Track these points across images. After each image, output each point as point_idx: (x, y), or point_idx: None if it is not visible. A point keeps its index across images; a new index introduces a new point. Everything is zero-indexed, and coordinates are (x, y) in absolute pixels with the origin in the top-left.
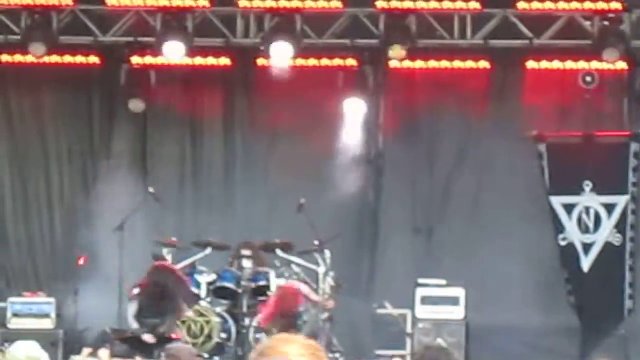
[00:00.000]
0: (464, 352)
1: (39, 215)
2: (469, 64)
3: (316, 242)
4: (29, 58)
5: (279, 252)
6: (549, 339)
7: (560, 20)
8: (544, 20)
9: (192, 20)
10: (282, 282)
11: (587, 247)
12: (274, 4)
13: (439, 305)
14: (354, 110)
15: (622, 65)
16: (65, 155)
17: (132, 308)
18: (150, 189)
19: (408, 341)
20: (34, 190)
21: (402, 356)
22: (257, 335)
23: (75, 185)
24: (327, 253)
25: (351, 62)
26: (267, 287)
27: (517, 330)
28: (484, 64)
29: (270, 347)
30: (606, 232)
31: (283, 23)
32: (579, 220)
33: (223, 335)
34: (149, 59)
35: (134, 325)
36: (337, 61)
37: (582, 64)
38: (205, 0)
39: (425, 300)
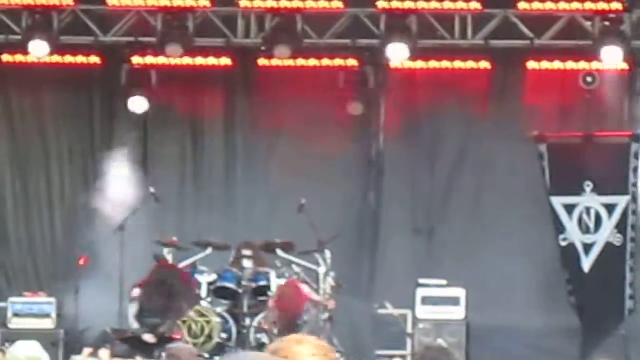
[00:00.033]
0: (465, 352)
1: (39, 215)
2: (470, 64)
3: (317, 243)
4: (30, 58)
5: (279, 252)
6: (550, 339)
7: (561, 20)
8: (544, 21)
9: (193, 20)
10: (282, 282)
11: (587, 248)
12: (275, 4)
13: (439, 305)
14: (354, 111)
15: (622, 65)
16: (66, 155)
17: (133, 308)
18: (151, 189)
19: (409, 341)
20: (35, 190)
21: (403, 356)
22: (258, 336)
23: (76, 185)
24: (328, 253)
25: (352, 62)
26: (268, 288)
27: (518, 331)
28: (484, 64)
29: (282, 348)
30: (607, 233)
31: (284, 23)
32: (580, 220)
33: (224, 335)
34: (150, 59)
35: (135, 325)
36: (338, 61)
37: (583, 65)
38: (206, 0)
39: (426, 300)
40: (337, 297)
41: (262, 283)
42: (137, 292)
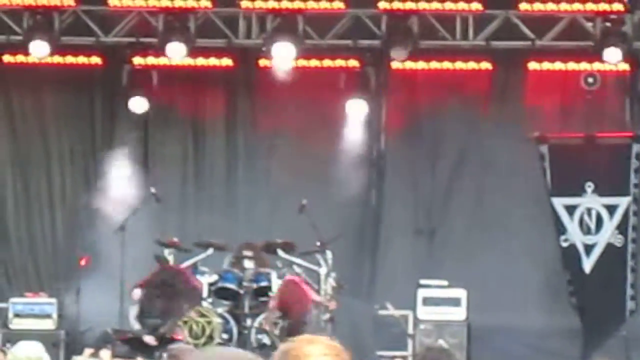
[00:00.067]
0: (466, 353)
1: (40, 215)
2: (471, 65)
3: (318, 243)
4: (31, 58)
5: (280, 253)
6: (551, 340)
7: (563, 21)
8: (546, 22)
9: (194, 21)
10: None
11: (588, 249)
12: (276, 5)
13: (440, 306)
14: (356, 111)
15: (624, 66)
16: (67, 156)
17: (133, 309)
18: (152, 190)
19: (410, 342)
20: (36, 190)
21: (404, 357)
22: (259, 336)
23: (77, 186)
24: (329, 254)
25: (353, 63)
26: (269, 288)
27: (518, 332)
28: (486, 65)
29: (293, 348)
30: (608, 234)
31: (285, 24)
32: (581, 221)
33: (225, 336)
34: (151, 60)
35: (136, 326)
36: (339, 62)
37: (584, 65)
38: (207, 1)
39: (427, 301)
40: (338, 297)
41: (263, 284)
42: (138, 292)
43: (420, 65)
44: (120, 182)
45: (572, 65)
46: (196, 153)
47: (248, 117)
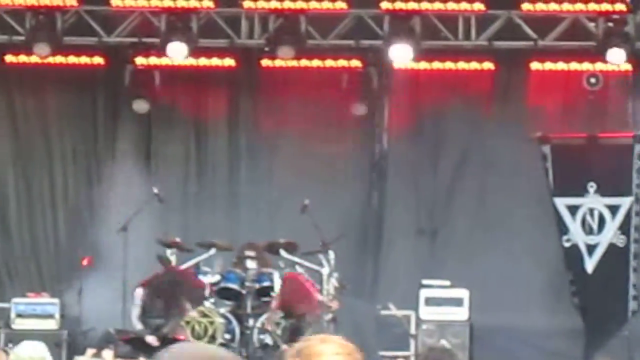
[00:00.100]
0: (468, 353)
1: (43, 215)
2: (474, 65)
3: (320, 243)
4: (34, 59)
5: (283, 253)
6: (553, 340)
7: (565, 21)
8: (548, 22)
9: (196, 21)
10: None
11: (591, 249)
12: (278, 5)
13: (443, 306)
14: (358, 112)
15: (626, 66)
16: (69, 156)
17: (136, 309)
18: (155, 190)
19: (412, 342)
20: (38, 190)
21: (406, 357)
22: (261, 337)
23: (80, 186)
24: (331, 254)
25: (356, 63)
26: (271, 288)
27: (521, 332)
28: (488, 65)
29: (306, 346)
30: (610, 234)
31: (287, 24)
32: (583, 221)
33: (227, 336)
34: (153, 60)
35: (138, 326)
36: (341, 62)
37: (586, 66)
38: (209, 1)
39: (429, 301)
40: (340, 297)
41: (266, 284)
42: (140, 292)
43: (423, 65)
44: (123, 182)
45: (574, 66)
46: (198, 153)
47: (250, 117)
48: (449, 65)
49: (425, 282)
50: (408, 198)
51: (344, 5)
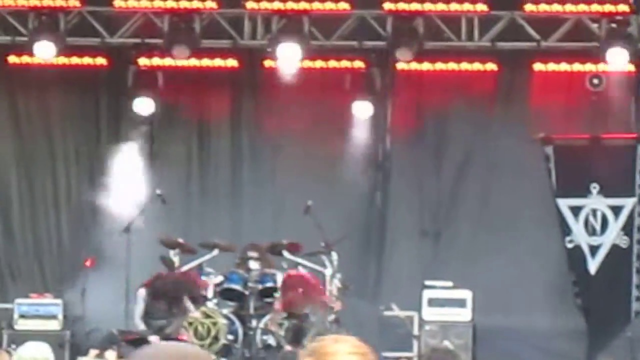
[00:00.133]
0: (471, 354)
1: (45, 216)
2: (477, 66)
3: (323, 244)
4: (37, 59)
5: (286, 253)
6: (556, 341)
7: (568, 22)
8: (551, 23)
9: (199, 21)
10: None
11: (594, 250)
12: (281, 6)
13: (445, 307)
14: (361, 112)
15: (629, 67)
16: (72, 156)
17: (139, 309)
18: (158, 191)
19: (415, 343)
20: (41, 190)
21: (409, 358)
22: (264, 337)
23: (83, 186)
24: (334, 255)
25: (359, 64)
26: (274, 289)
27: (524, 333)
28: (491, 66)
29: (320, 346)
30: (613, 235)
31: (290, 25)
32: (586, 222)
33: (230, 337)
34: (156, 61)
35: (141, 326)
36: (344, 63)
37: (589, 66)
38: (212, 2)
39: (432, 302)
40: (343, 298)
41: (269, 284)
42: (143, 292)
43: (426, 66)
44: (126, 182)
45: (577, 67)
46: (201, 154)
47: (253, 118)
48: (451, 66)
49: (428, 283)
50: (411, 199)
51: (346, 6)
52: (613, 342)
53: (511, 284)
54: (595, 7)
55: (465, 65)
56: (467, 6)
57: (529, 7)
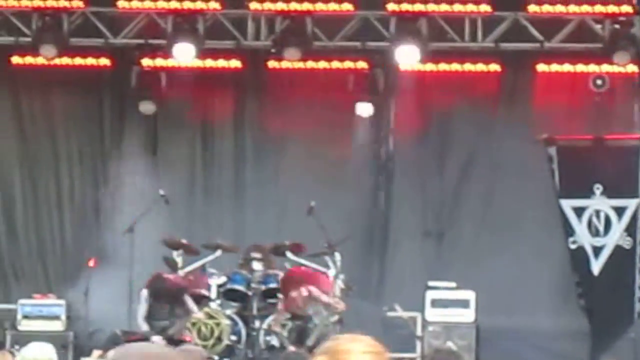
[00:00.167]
0: (474, 355)
1: (49, 216)
2: (480, 67)
3: (326, 245)
4: (40, 60)
5: (289, 254)
6: (560, 342)
7: (571, 23)
8: (554, 24)
9: (203, 22)
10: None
11: (597, 251)
12: (285, 7)
13: (449, 308)
14: (364, 113)
15: (632, 68)
16: (75, 157)
17: (141, 310)
18: (161, 191)
19: (418, 344)
20: (45, 191)
21: (412, 359)
22: (267, 338)
23: (86, 187)
24: (338, 256)
25: (362, 64)
26: (277, 290)
27: (527, 333)
28: (494, 67)
29: (335, 345)
30: (616, 236)
31: (294, 25)
32: (589, 223)
33: (233, 337)
34: (159, 61)
35: (144, 327)
36: (347, 64)
37: (592, 67)
38: (216, 2)
39: (436, 303)
40: (346, 299)
41: (272, 285)
42: (146, 293)
43: (429, 67)
44: (129, 183)
45: (580, 67)
46: (205, 154)
47: (256, 118)
48: (455, 66)
49: (431, 283)
50: (414, 199)
51: (350, 6)
52: (616, 343)
53: (514, 285)
54: (599, 8)
55: (468, 66)
56: (470, 7)
57: (532, 8)
